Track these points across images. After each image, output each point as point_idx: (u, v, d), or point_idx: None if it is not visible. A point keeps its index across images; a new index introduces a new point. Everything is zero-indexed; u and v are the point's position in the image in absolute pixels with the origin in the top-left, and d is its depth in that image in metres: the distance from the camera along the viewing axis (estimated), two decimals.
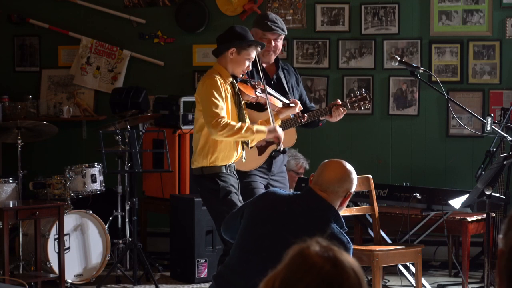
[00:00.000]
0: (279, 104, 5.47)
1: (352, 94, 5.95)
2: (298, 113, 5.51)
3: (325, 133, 7.71)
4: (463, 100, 7.62)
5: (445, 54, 7.88)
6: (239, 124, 5.09)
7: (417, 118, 7.95)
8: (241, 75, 5.29)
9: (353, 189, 3.98)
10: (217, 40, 5.31)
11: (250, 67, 5.30)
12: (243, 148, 5.28)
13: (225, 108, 5.11)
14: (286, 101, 5.53)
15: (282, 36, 5.81)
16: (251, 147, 5.52)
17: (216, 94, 5.08)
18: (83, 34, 8.44)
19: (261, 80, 5.45)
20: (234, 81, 5.24)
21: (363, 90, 5.93)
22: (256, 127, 5.16)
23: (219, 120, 5.01)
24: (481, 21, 7.81)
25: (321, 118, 5.80)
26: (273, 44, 5.72)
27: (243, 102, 5.26)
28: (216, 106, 5.05)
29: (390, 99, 7.99)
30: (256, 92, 5.38)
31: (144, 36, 8.39)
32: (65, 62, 8.55)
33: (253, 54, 5.22)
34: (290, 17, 8.02)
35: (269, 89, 5.49)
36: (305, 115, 5.59)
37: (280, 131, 5.26)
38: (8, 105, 8.29)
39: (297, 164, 7.40)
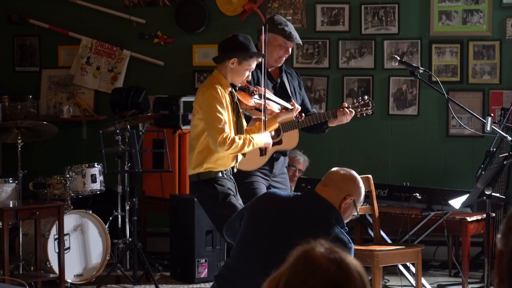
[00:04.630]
0: (276, 109, 5.46)
1: (355, 100, 5.97)
2: (297, 115, 5.52)
3: (325, 133, 7.70)
4: (463, 100, 7.62)
5: (445, 54, 7.88)
6: (241, 141, 5.10)
7: (417, 118, 7.95)
8: (239, 84, 5.29)
9: (355, 196, 3.89)
10: (219, 47, 5.29)
11: (250, 77, 5.30)
12: (237, 159, 5.27)
13: (227, 120, 5.10)
14: (285, 104, 5.52)
15: None
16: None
17: (219, 108, 5.07)
18: (83, 34, 8.45)
19: (259, 85, 5.45)
20: (233, 90, 5.23)
21: (366, 97, 5.93)
22: (255, 140, 5.17)
23: (225, 137, 5.02)
24: (481, 21, 7.81)
25: (329, 125, 5.82)
26: (289, 51, 5.83)
27: (241, 110, 5.25)
28: (220, 121, 5.05)
29: (390, 99, 7.99)
30: (254, 100, 5.38)
31: (144, 36, 8.39)
32: (65, 62, 8.55)
33: (254, 65, 5.23)
34: (290, 17, 8.02)
35: (268, 94, 5.48)
36: (303, 114, 5.61)
37: (270, 140, 5.32)
38: (8, 105, 8.29)
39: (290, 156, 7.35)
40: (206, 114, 5.08)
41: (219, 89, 5.12)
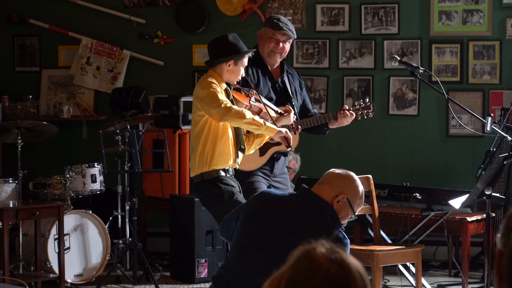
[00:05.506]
0: (272, 114, 5.44)
1: (356, 102, 5.95)
2: (292, 123, 5.45)
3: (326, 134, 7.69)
4: (463, 100, 7.63)
5: (445, 54, 7.88)
6: (247, 110, 5.11)
7: (417, 118, 7.95)
8: (235, 83, 5.30)
9: (348, 195, 3.85)
10: (211, 51, 5.26)
11: (244, 73, 5.29)
12: (237, 155, 5.26)
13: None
14: (279, 110, 5.49)
15: (291, 40, 5.79)
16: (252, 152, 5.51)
17: (218, 89, 5.10)
18: (83, 34, 8.45)
19: (253, 88, 5.44)
20: (228, 88, 5.24)
21: (367, 99, 5.91)
22: (267, 123, 5.16)
23: (229, 105, 5.02)
24: (481, 21, 7.82)
25: (330, 126, 5.80)
26: (281, 45, 5.72)
27: None
28: (221, 96, 5.08)
29: (390, 99, 8.00)
30: (250, 101, 5.38)
31: (144, 36, 8.39)
32: (65, 62, 8.55)
33: (246, 60, 5.24)
34: (290, 17, 8.02)
35: (262, 99, 5.47)
36: (299, 126, 5.55)
37: (288, 132, 5.24)
38: (8, 105, 8.29)
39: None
40: (206, 95, 5.07)
41: (215, 81, 5.15)
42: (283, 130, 5.19)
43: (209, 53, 5.30)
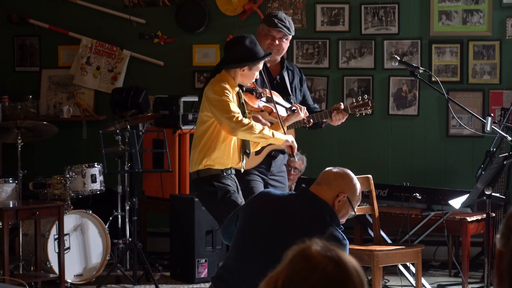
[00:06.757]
0: (284, 113, 5.43)
1: (353, 99, 5.91)
2: (303, 118, 5.47)
3: (325, 133, 7.70)
4: (463, 100, 7.63)
5: (445, 54, 7.88)
6: (258, 124, 5.11)
7: (417, 118, 7.95)
8: (248, 85, 5.29)
9: (348, 193, 3.88)
10: (227, 53, 5.20)
11: (258, 76, 5.28)
12: (242, 159, 5.25)
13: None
14: (289, 106, 5.49)
15: (289, 37, 5.75)
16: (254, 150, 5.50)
17: (230, 97, 5.09)
18: (83, 34, 8.45)
19: (267, 86, 5.42)
20: (240, 91, 5.23)
21: (366, 96, 5.87)
22: (275, 132, 5.17)
23: (240, 118, 5.03)
24: (481, 21, 7.81)
25: (324, 120, 5.78)
26: (276, 42, 5.69)
27: (247, 112, 5.24)
28: (234, 106, 5.08)
29: (390, 99, 7.99)
30: (261, 102, 5.37)
31: (144, 36, 8.39)
32: (65, 62, 8.55)
33: (261, 65, 5.22)
34: (290, 17, 8.00)
35: (275, 97, 5.45)
36: (311, 120, 5.54)
37: (294, 141, 5.26)
38: (8, 105, 8.29)
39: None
40: (218, 102, 5.07)
41: (228, 88, 5.13)
42: (290, 139, 5.22)
43: (224, 53, 5.26)
